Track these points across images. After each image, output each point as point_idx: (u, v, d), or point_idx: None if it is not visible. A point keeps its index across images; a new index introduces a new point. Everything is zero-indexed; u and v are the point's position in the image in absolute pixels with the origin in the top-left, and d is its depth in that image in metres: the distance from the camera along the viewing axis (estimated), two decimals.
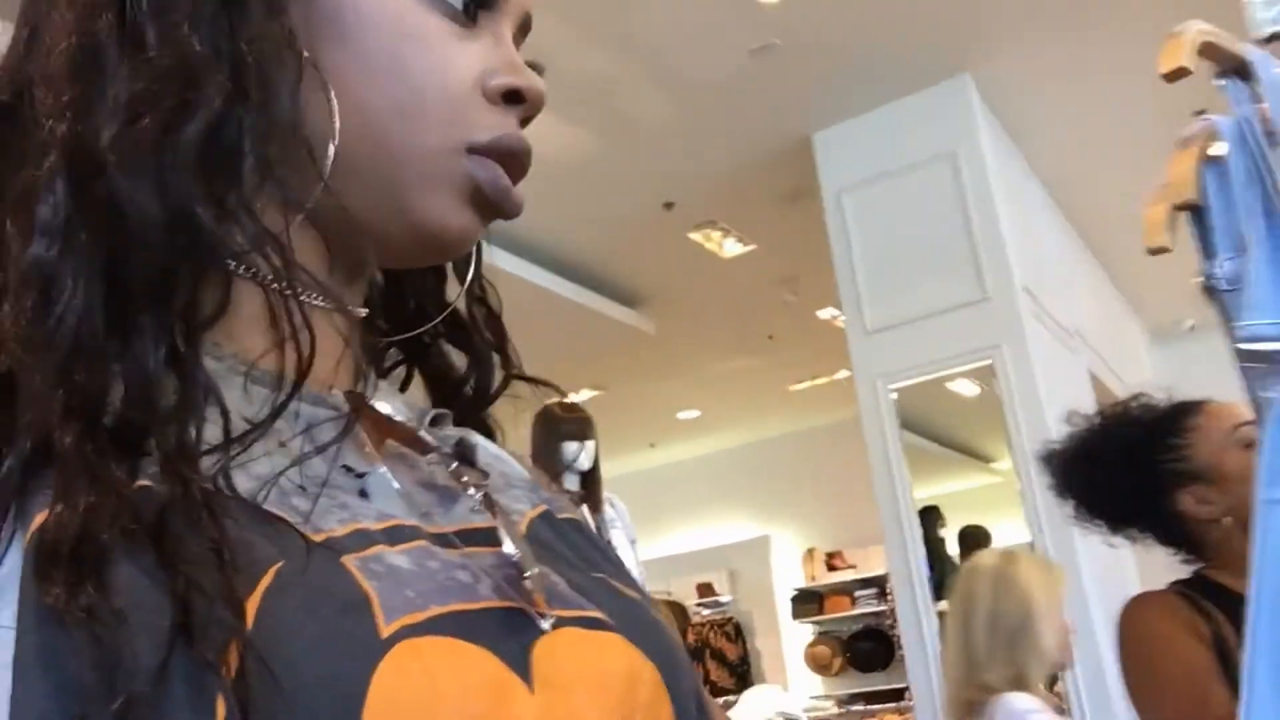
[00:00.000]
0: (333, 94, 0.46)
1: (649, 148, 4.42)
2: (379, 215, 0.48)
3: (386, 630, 0.37)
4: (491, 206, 0.49)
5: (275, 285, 0.43)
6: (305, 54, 0.45)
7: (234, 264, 0.43)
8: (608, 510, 3.50)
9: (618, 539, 3.44)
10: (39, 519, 0.35)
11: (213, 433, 0.40)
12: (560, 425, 3.37)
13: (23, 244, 0.40)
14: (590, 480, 3.46)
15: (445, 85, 0.48)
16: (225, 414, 0.40)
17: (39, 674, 0.32)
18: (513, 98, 0.50)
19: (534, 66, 0.51)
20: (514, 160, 0.49)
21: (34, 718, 0.32)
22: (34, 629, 0.33)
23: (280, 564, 0.37)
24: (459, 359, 0.59)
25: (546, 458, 3.38)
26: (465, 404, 0.58)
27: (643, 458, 9.45)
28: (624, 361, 6.63)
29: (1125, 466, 1.60)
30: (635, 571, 3.40)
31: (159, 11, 0.43)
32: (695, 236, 5.19)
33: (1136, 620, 1.53)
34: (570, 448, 3.34)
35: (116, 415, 0.38)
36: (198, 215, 0.40)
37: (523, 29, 0.53)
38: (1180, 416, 1.60)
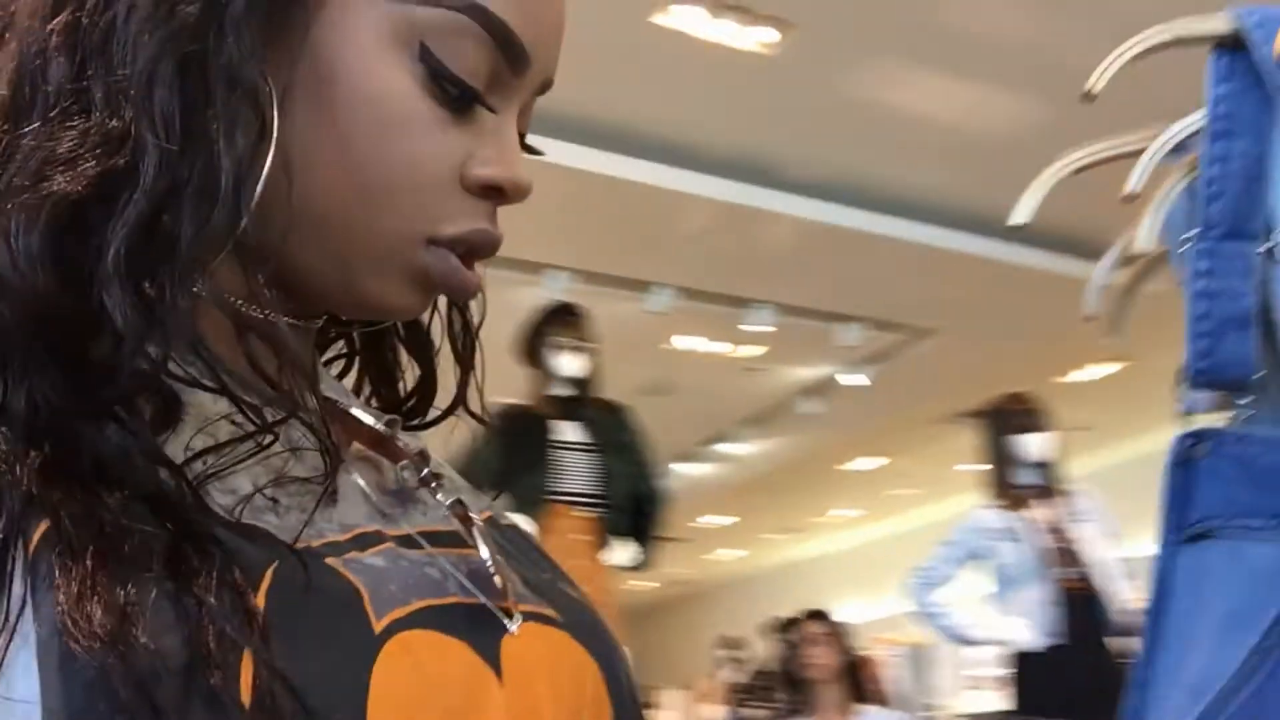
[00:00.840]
0: (294, 181, 0.42)
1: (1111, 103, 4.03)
2: (324, 282, 0.46)
3: (378, 626, 0.39)
4: (440, 291, 0.48)
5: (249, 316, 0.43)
6: (272, 134, 0.41)
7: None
8: (1081, 503, 3.26)
9: (1091, 533, 3.20)
10: (39, 531, 0.35)
11: (200, 441, 0.40)
12: (1012, 419, 3.22)
13: None
14: (1049, 473, 3.25)
15: (419, 178, 0.44)
16: (173, 465, 0.39)
17: (63, 679, 0.33)
18: (492, 191, 0.47)
19: (530, 150, 0.49)
20: (478, 255, 0.47)
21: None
22: (54, 642, 0.33)
23: (276, 564, 0.38)
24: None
25: (999, 455, 3.25)
26: (405, 413, 0.55)
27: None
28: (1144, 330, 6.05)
29: None
30: (1112, 566, 3.04)
31: (108, 65, 0.39)
32: None
33: None
34: (1026, 441, 3.17)
35: (91, 461, 0.37)
36: (111, 309, 0.37)
37: (542, 89, 0.50)
38: None
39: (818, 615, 3.71)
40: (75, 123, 0.38)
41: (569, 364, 3.29)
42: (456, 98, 0.44)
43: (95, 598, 0.33)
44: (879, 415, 7.21)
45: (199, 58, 0.40)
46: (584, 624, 0.50)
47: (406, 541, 0.46)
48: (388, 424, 0.51)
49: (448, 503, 0.50)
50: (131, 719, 0.33)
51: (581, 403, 3.36)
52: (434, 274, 0.46)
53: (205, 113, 0.40)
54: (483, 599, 0.45)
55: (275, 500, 0.42)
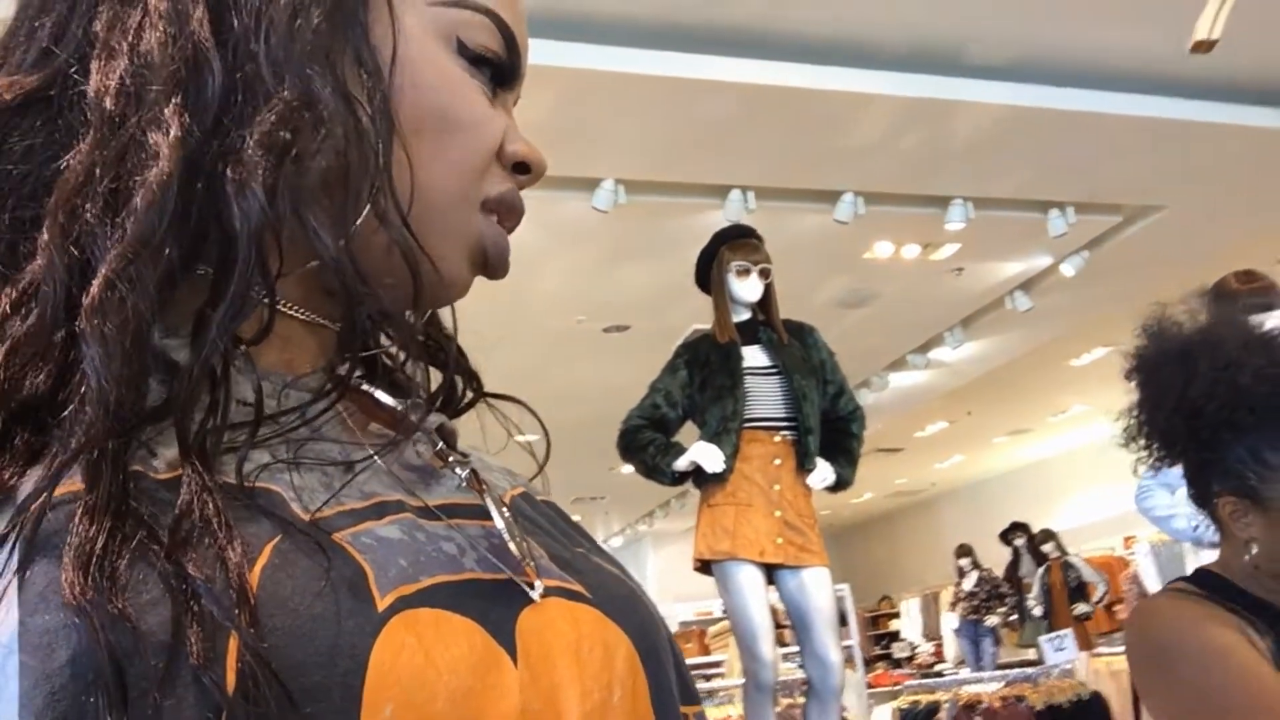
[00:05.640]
0: (410, 161, 0.47)
1: None
2: (389, 261, 0.47)
3: (382, 603, 0.38)
4: (488, 267, 0.52)
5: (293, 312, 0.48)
6: (395, 119, 0.46)
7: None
8: None
9: None
10: (64, 489, 0.36)
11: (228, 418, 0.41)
12: (1238, 299, 2.91)
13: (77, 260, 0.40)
14: None
15: (480, 144, 0.50)
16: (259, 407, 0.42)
17: (48, 656, 0.33)
18: (521, 168, 0.53)
19: None
20: (513, 218, 0.53)
21: (48, 690, 0.33)
22: (38, 615, 0.34)
23: (277, 538, 0.38)
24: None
25: None
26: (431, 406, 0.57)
27: None
28: None
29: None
30: None
31: (272, 58, 0.44)
32: None
33: (1144, 618, 1.30)
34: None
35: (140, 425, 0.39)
36: (316, 230, 0.43)
37: (514, 102, 0.56)
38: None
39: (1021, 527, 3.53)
40: (268, 101, 0.43)
41: (746, 287, 3.22)
42: (488, 82, 0.51)
43: (88, 564, 0.34)
44: (1099, 305, 6.74)
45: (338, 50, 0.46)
46: (617, 599, 0.49)
47: (428, 514, 0.46)
48: (407, 405, 0.52)
49: (464, 474, 0.50)
50: (105, 697, 0.32)
51: (765, 325, 3.30)
52: (486, 241, 0.51)
53: (353, 94, 0.46)
54: (507, 572, 0.44)
55: (298, 464, 0.43)
